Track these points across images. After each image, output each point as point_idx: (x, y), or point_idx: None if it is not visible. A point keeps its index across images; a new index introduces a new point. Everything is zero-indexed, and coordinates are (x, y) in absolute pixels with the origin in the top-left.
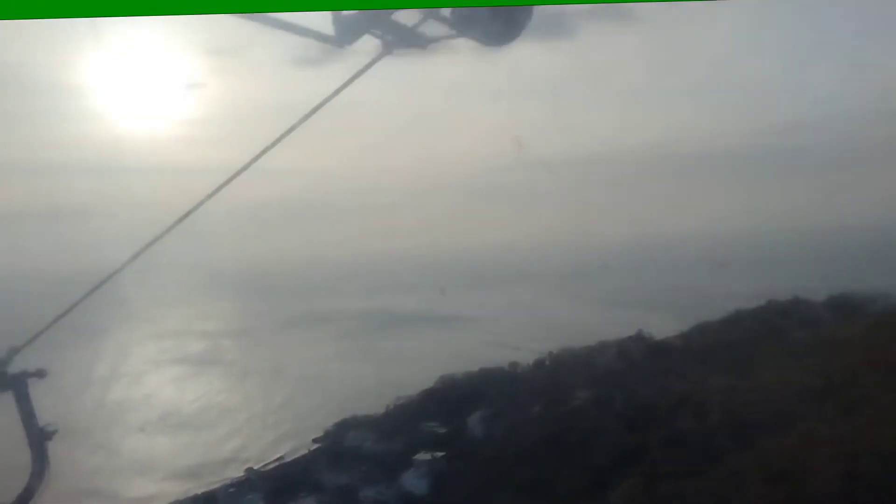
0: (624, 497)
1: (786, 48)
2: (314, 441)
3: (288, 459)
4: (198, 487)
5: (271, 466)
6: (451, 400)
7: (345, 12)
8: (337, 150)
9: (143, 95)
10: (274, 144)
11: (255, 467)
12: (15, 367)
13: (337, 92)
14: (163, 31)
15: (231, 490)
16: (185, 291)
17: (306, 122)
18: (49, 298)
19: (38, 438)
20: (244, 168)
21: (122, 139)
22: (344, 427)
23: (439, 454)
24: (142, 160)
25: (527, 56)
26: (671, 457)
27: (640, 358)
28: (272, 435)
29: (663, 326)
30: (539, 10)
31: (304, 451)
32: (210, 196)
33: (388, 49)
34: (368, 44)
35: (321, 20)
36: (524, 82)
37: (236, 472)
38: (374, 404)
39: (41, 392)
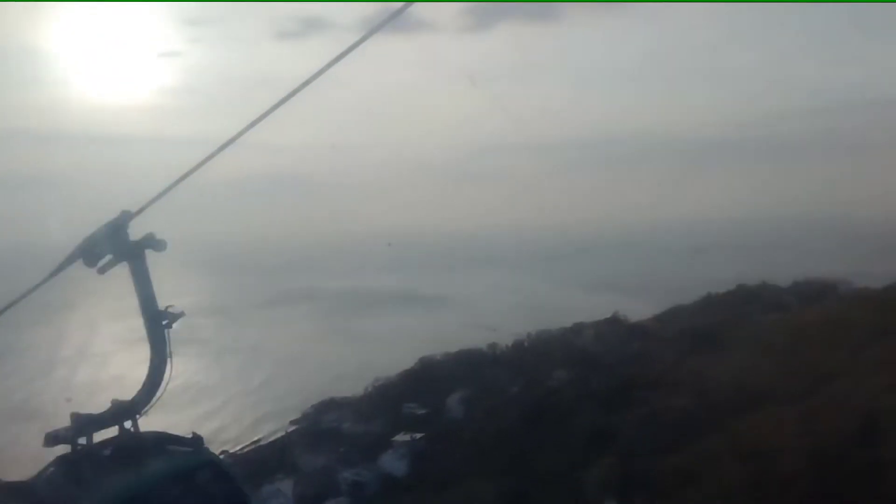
0: (601, 475)
1: (766, 40)
2: (292, 423)
3: (265, 441)
4: None
5: (248, 448)
6: (430, 381)
7: None
8: (318, 127)
9: (117, 63)
10: (264, 116)
11: (232, 449)
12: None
13: (339, 58)
14: None
15: None
16: (157, 267)
17: (292, 99)
18: (20, 267)
19: (159, 320)
20: (232, 140)
21: (93, 107)
22: (322, 408)
23: (418, 435)
24: (114, 129)
25: (511, 37)
26: (646, 435)
27: (617, 340)
28: (249, 416)
29: (639, 310)
30: None
31: (281, 433)
32: (193, 170)
33: None
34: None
35: None
36: (508, 63)
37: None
38: (352, 385)
39: (5, 371)
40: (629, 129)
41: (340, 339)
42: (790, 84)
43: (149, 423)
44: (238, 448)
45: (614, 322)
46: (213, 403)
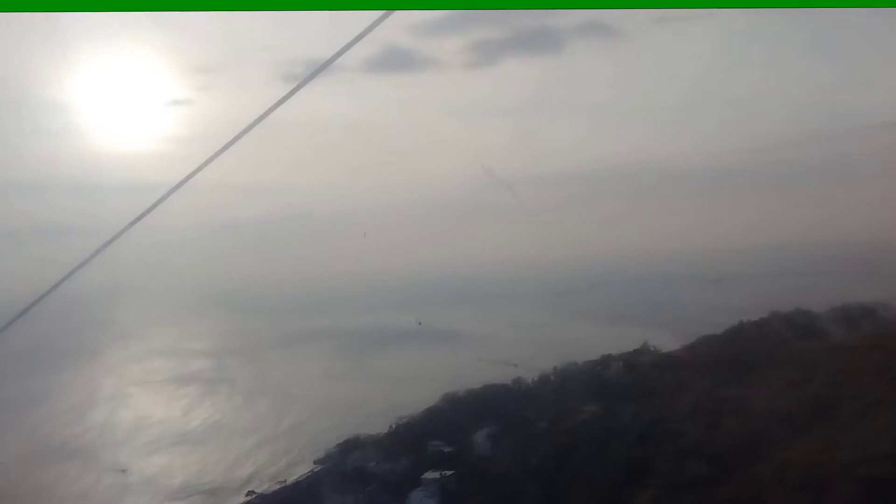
0: None
1: (771, 64)
2: (316, 462)
3: (290, 482)
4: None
5: (274, 489)
6: (455, 418)
7: None
8: (326, 167)
9: (128, 112)
10: (205, 165)
11: (258, 490)
12: None
13: (272, 110)
14: (148, 48)
15: None
16: (176, 310)
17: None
18: (25, 323)
19: None
20: (177, 187)
21: (104, 157)
22: (346, 447)
23: (448, 473)
24: (125, 178)
25: (515, 72)
26: (687, 467)
27: (648, 371)
28: (283, 458)
29: (664, 341)
30: (524, 27)
31: (307, 473)
32: (143, 216)
33: None
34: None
35: None
36: (513, 99)
37: (239, 489)
38: (375, 423)
39: (45, 415)
40: (641, 160)
41: (360, 378)
42: (805, 109)
43: (185, 461)
44: (264, 489)
45: (644, 353)
46: (246, 444)
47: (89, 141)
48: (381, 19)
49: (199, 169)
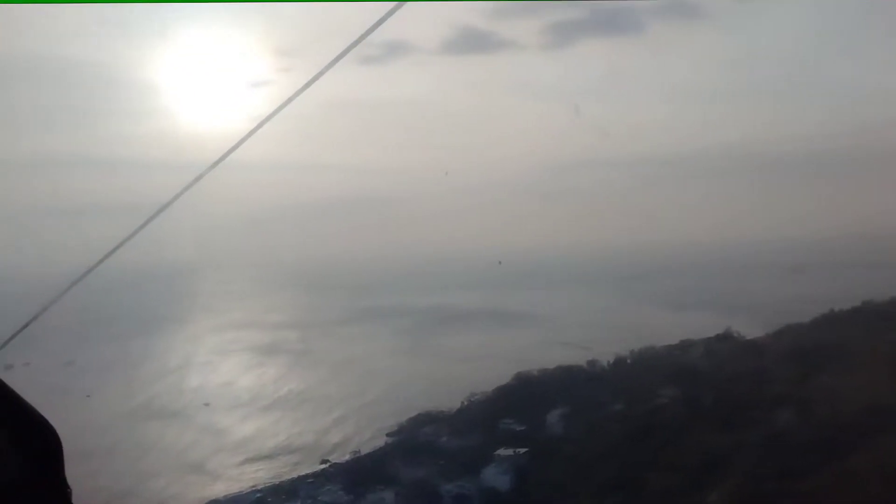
0: (725, 497)
1: (865, 46)
2: (388, 435)
3: (364, 452)
4: (279, 468)
5: (348, 459)
6: (527, 397)
7: None
8: (401, 149)
9: (211, 93)
10: (240, 144)
11: (333, 460)
12: None
13: (299, 92)
14: (229, 32)
15: (310, 481)
16: (250, 284)
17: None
18: (117, 292)
19: None
20: (216, 163)
21: (189, 135)
22: (418, 422)
23: (522, 450)
24: (207, 157)
25: (593, 53)
26: (774, 456)
27: (730, 357)
28: (344, 425)
29: (744, 328)
30: (601, 7)
31: (379, 445)
32: (183, 192)
33: None
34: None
35: None
36: (591, 80)
37: (321, 456)
38: (446, 400)
39: (142, 377)
40: (720, 144)
41: (429, 355)
42: (890, 93)
43: (278, 428)
44: (340, 458)
45: (726, 339)
46: (333, 415)
47: (176, 121)
48: (394, 10)
49: (234, 149)
